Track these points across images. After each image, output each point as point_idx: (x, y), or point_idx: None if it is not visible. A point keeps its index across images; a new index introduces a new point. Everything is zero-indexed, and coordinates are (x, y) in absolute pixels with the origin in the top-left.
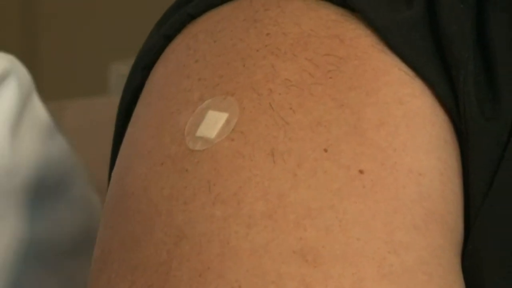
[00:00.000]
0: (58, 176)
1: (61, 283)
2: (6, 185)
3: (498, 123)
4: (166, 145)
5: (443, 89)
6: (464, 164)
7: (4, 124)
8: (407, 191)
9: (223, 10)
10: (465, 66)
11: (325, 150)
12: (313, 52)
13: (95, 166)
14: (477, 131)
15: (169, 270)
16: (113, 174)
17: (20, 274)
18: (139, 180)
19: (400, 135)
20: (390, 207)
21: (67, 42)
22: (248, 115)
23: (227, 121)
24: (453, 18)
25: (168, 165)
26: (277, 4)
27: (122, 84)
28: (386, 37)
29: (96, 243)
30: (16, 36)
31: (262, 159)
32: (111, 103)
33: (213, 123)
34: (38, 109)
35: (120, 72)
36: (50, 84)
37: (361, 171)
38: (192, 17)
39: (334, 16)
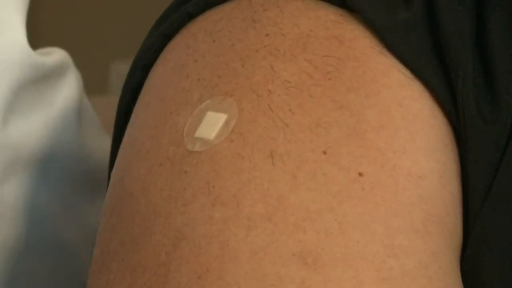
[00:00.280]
0: (102, 174)
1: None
2: (77, 173)
3: (497, 126)
4: (165, 146)
5: (442, 91)
6: (463, 167)
7: (72, 111)
8: (407, 193)
9: (222, 10)
10: (464, 68)
11: (325, 152)
12: (312, 53)
13: None
14: (475, 134)
15: (168, 271)
16: (112, 174)
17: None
18: (138, 181)
19: (399, 137)
20: (390, 210)
21: (67, 41)
22: (247, 116)
23: (226, 122)
24: (452, 19)
25: (166, 166)
26: (276, 4)
27: (122, 84)
28: (385, 38)
29: (95, 244)
30: None
31: (261, 161)
32: (112, 102)
33: (212, 124)
34: (90, 108)
35: (120, 72)
36: None
37: (360, 174)
38: (191, 16)
39: (333, 16)
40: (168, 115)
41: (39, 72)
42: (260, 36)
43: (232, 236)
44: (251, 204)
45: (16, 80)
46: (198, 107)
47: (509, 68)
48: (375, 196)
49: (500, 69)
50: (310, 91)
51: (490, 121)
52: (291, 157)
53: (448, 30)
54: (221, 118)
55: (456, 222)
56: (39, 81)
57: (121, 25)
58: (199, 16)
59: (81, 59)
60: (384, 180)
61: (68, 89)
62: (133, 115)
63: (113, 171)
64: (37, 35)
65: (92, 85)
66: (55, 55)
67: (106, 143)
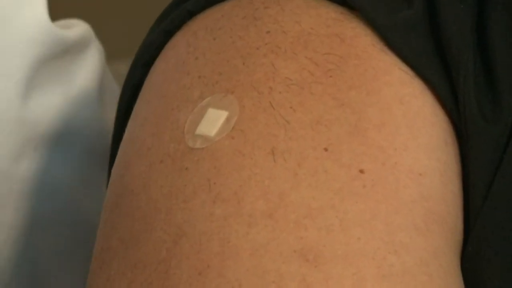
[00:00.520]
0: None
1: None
2: (98, 148)
3: (498, 125)
4: (166, 143)
5: (443, 89)
6: (463, 165)
7: (93, 87)
8: (408, 191)
9: (223, 8)
10: (465, 66)
11: (326, 150)
12: (313, 50)
13: None
14: (477, 133)
15: (169, 268)
16: (112, 171)
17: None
18: (138, 178)
19: (401, 135)
20: (391, 207)
21: None
22: (248, 113)
23: (227, 119)
24: (453, 18)
25: (167, 163)
26: (277, 2)
27: (119, 83)
28: (386, 36)
29: (96, 240)
30: None
31: (262, 158)
32: None
33: (213, 121)
34: (112, 81)
35: (119, 71)
36: None
37: (361, 171)
38: (192, 14)
39: (334, 14)
40: (169, 112)
41: (60, 47)
42: (261, 34)
43: (233, 233)
44: (252, 201)
45: (36, 56)
46: (199, 104)
47: (510, 67)
48: (376, 193)
49: (501, 68)
50: (311, 89)
51: (491, 120)
52: (292, 154)
53: (449, 28)
54: (222, 115)
55: (457, 220)
56: (60, 56)
57: (120, 24)
58: (200, 14)
59: None
60: (385, 177)
61: (90, 64)
62: (133, 113)
63: (114, 168)
64: None
65: None
66: (77, 29)
67: None
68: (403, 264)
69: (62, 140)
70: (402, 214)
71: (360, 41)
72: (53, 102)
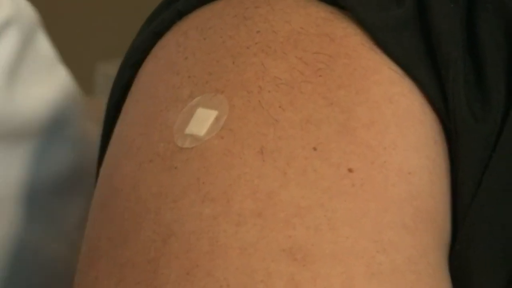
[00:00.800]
0: (56, 114)
1: (48, 222)
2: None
3: (487, 124)
4: (155, 142)
5: (432, 88)
6: (452, 164)
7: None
8: (397, 190)
9: (213, 7)
10: (455, 65)
11: (315, 149)
12: (303, 50)
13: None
14: (466, 131)
15: (157, 267)
16: (101, 171)
17: (7, 214)
18: (127, 178)
19: (390, 133)
20: (380, 206)
21: (52, 42)
22: (237, 112)
23: (217, 119)
24: (443, 17)
25: (157, 162)
26: (267, 1)
27: (108, 85)
28: (376, 35)
29: (83, 240)
30: None
31: (252, 157)
32: (98, 103)
33: (203, 121)
34: (41, 46)
35: (106, 72)
36: None
37: (350, 170)
38: (182, 14)
39: (324, 14)
40: (159, 112)
41: None
42: (251, 33)
43: (222, 232)
44: (241, 200)
45: None
46: (189, 103)
47: (499, 66)
48: (365, 192)
49: (490, 67)
50: (301, 88)
51: (481, 119)
52: (282, 153)
53: (439, 27)
54: (212, 114)
55: (446, 218)
56: None
57: (108, 25)
58: (190, 14)
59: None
60: (374, 176)
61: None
62: (122, 113)
63: (102, 168)
64: None
65: (78, 85)
66: None
67: (58, 79)
68: (392, 262)
69: None
70: (391, 213)
71: (350, 40)
72: None
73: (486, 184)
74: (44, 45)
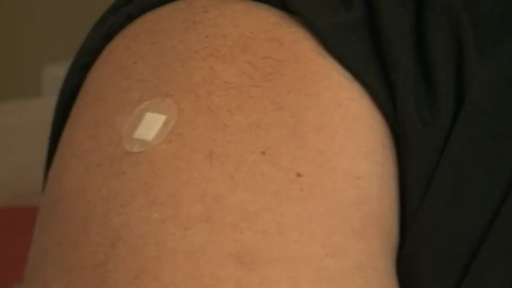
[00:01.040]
0: None
1: None
2: None
3: (435, 129)
4: (104, 146)
5: (381, 93)
6: (401, 168)
7: None
8: (346, 194)
9: (163, 11)
10: (404, 69)
11: (263, 153)
12: (252, 54)
13: (28, 167)
14: (414, 136)
15: (106, 271)
16: (49, 174)
17: None
18: (76, 181)
19: (339, 138)
20: (328, 210)
21: (0, 43)
22: (186, 117)
23: (165, 123)
24: (392, 21)
25: (105, 166)
26: (216, 6)
27: (55, 86)
28: (325, 40)
29: (31, 245)
30: None
31: (200, 161)
32: (45, 105)
33: (151, 125)
34: None
35: (53, 74)
36: None
37: (299, 174)
38: (132, 17)
39: (274, 18)
40: (108, 115)
41: None
42: (200, 37)
43: (170, 236)
44: (189, 204)
45: None
46: (138, 107)
47: (448, 70)
48: (314, 196)
49: (440, 72)
50: (250, 92)
51: (429, 123)
52: (230, 158)
53: (388, 32)
54: (160, 119)
55: (394, 223)
56: None
57: (56, 27)
58: (139, 17)
59: (15, 60)
60: (323, 180)
61: None
62: (71, 116)
63: (51, 171)
64: None
65: (25, 87)
66: None
67: None
68: (340, 267)
69: None
70: (339, 217)
71: (300, 45)
72: None
73: (434, 189)
74: None
